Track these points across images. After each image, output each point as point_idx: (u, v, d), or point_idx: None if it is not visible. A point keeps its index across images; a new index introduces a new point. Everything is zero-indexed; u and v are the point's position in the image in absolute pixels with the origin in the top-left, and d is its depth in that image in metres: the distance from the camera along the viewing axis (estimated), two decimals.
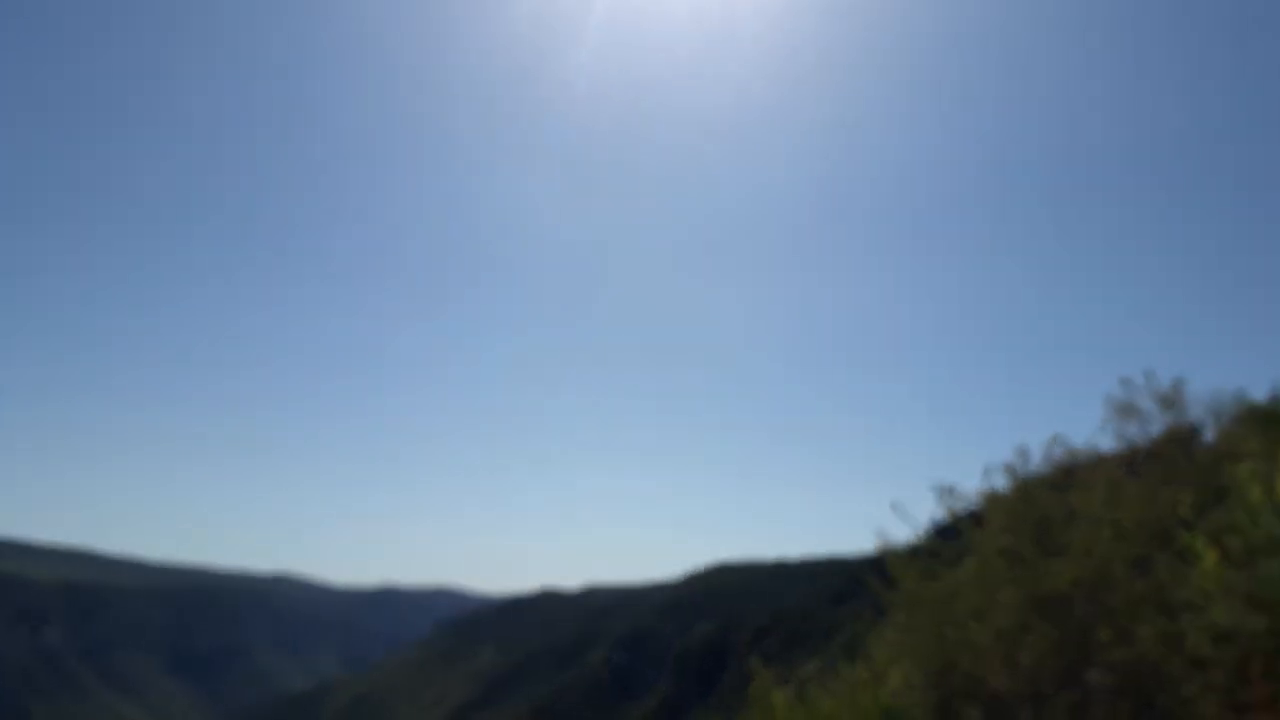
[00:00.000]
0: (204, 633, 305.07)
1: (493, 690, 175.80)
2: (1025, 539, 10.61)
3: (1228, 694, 5.97)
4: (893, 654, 10.87)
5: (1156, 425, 11.31)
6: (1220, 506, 7.33)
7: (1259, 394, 10.25)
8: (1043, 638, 9.26)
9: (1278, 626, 5.50)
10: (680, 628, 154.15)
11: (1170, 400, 11.71)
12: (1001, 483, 12.08)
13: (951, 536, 11.86)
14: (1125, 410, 12.10)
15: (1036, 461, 12.13)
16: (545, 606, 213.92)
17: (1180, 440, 10.99)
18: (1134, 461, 11.59)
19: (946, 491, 11.70)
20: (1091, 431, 11.91)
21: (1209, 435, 10.58)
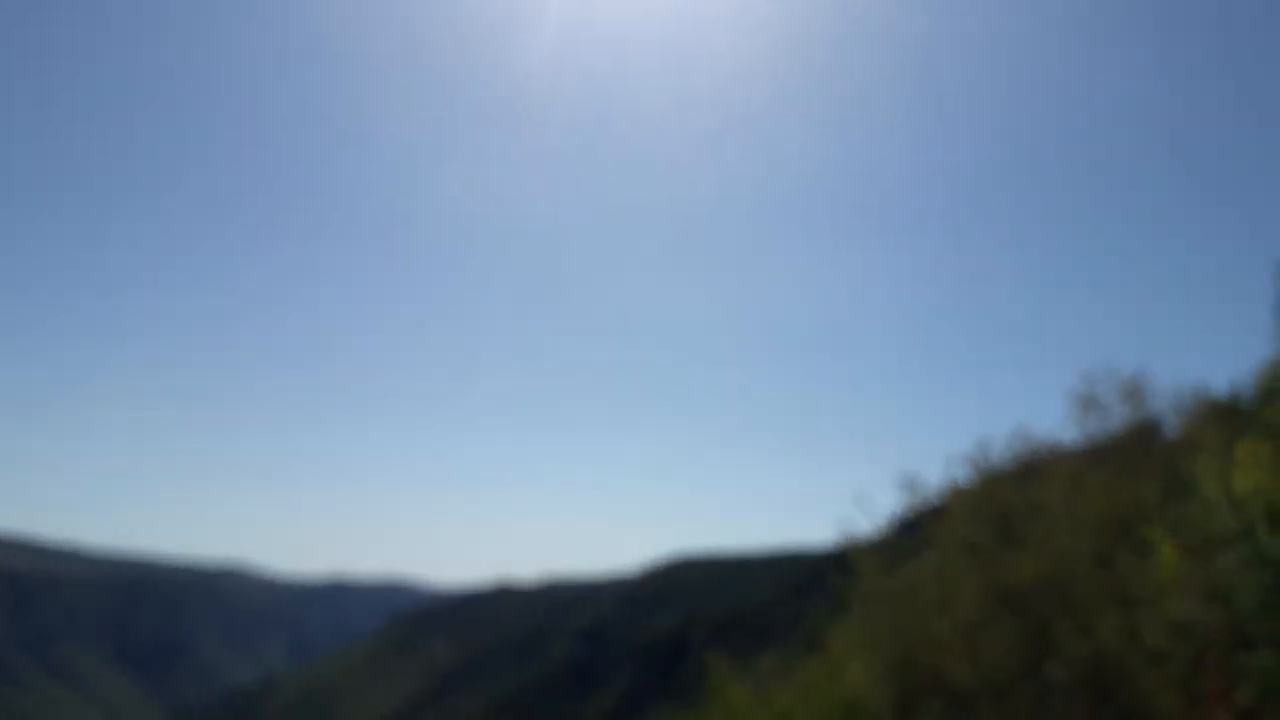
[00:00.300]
0: (148, 624, 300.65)
1: (447, 685, 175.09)
2: (987, 532, 10.77)
3: (1184, 686, 6.11)
4: (853, 647, 10.98)
5: (1118, 418, 11.52)
6: (1180, 500, 7.49)
7: (1219, 388, 10.48)
8: (1004, 631, 9.41)
9: (1233, 620, 5.62)
10: (640, 621, 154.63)
11: (1132, 394, 11.92)
12: (964, 475, 12.26)
13: (914, 529, 12.00)
14: (1088, 403, 12.29)
15: (999, 454, 12.33)
16: (502, 599, 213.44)
17: (1141, 434, 11.20)
18: (1096, 455, 11.79)
19: (909, 483, 11.85)
20: (1054, 424, 12.12)
21: (1170, 429, 10.80)
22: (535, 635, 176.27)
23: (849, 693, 10.10)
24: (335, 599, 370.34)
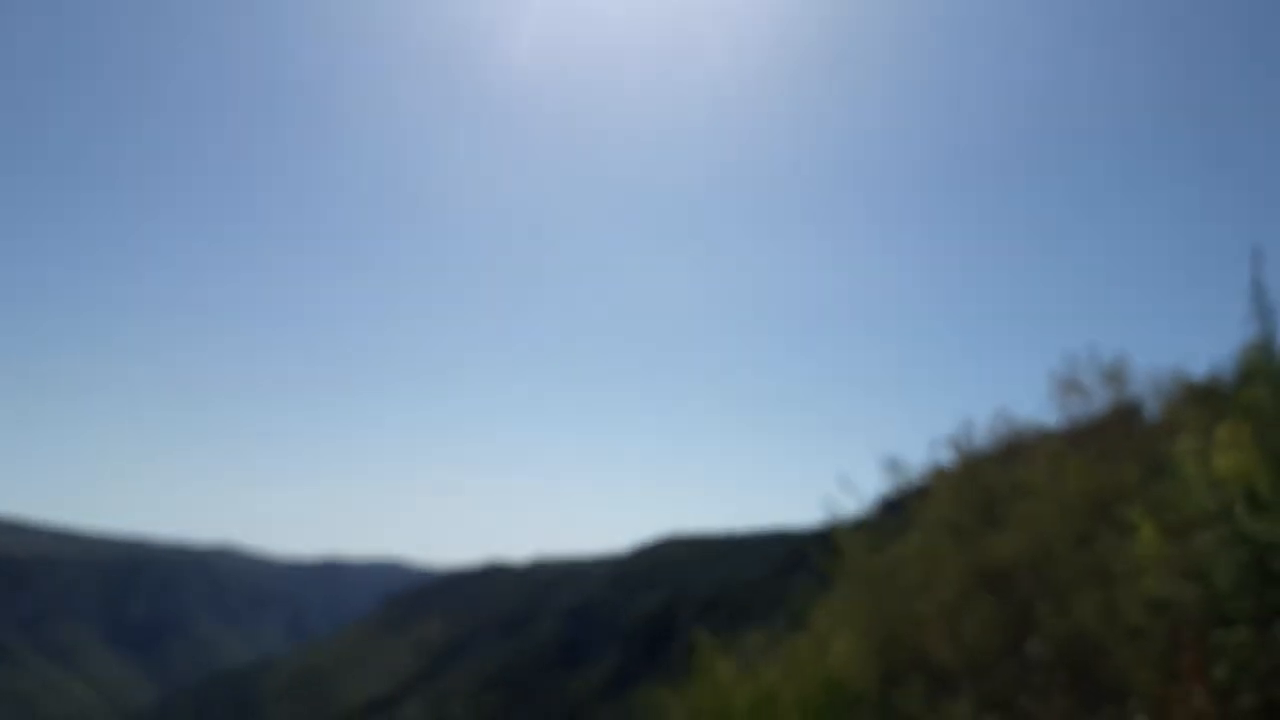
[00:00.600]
0: (142, 604, 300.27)
1: (439, 662, 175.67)
2: (969, 512, 10.80)
3: (1161, 663, 6.12)
4: (837, 625, 11.01)
5: (1099, 401, 11.54)
6: (1160, 481, 7.50)
7: (1199, 371, 10.50)
8: (985, 610, 9.44)
9: (1209, 597, 5.64)
10: (627, 600, 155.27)
11: (1113, 376, 11.95)
12: (947, 457, 12.29)
13: (897, 510, 12.03)
14: (1069, 386, 12.31)
15: (982, 436, 12.35)
16: (492, 579, 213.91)
17: (1122, 416, 11.22)
18: (1077, 437, 11.82)
19: (893, 465, 11.87)
20: (1036, 407, 12.14)
21: (1151, 411, 10.82)
22: (524, 614, 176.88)
23: (833, 670, 10.13)
24: (330, 579, 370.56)
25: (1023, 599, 9.27)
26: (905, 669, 10.13)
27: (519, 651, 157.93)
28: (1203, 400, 8.67)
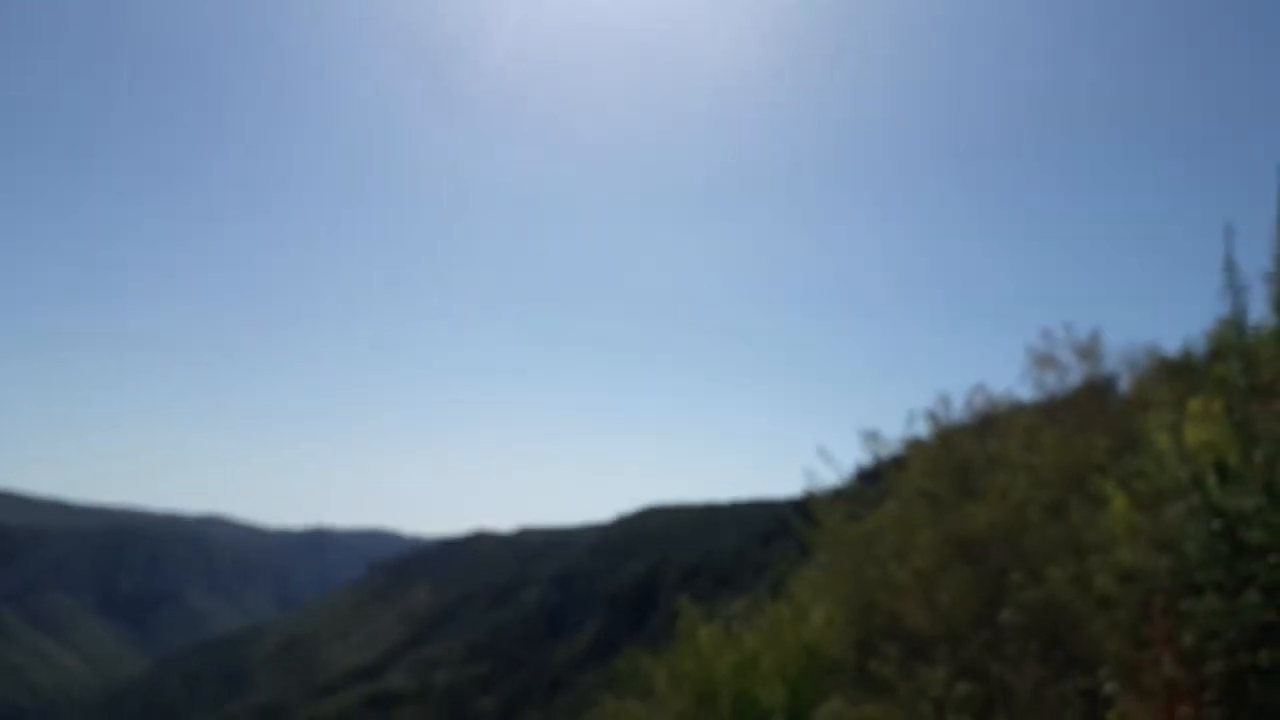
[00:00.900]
0: (132, 575, 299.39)
1: (426, 630, 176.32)
2: (945, 483, 10.84)
3: (1131, 631, 6.17)
4: (815, 593, 11.08)
5: (1074, 376, 11.59)
6: (1132, 454, 7.53)
7: (1171, 346, 10.55)
8: (960, 578, 9.50)
9: (1179, 566, 5.68)
10: (611, 568, 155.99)
11: (1088, 352, 11.99)
12: (924, 429, 12.32)
13: (875, 480, 12.07)
14: (1044, 361, 12.36)
15: (958, 409, 12.39)
16: (478, 547, 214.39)
17: (1096, 391, 11.28)
18: (1051, 410, 11.87)
19: (871, 437, 11.89)
20: (1011, 381, 12.19)
21: (1124, 385, 10.89)
22: (510, 582, 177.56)
23: (811, 637, 10.20)
24: (318, 548, 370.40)
25: (997, 568, 9.34)
26: (881, 636, 10.21)
27: (505, 619, 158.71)
28: (1175, 375, 8.71)
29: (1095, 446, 8.88)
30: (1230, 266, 6.18)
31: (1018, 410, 11.95)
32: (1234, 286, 6.17)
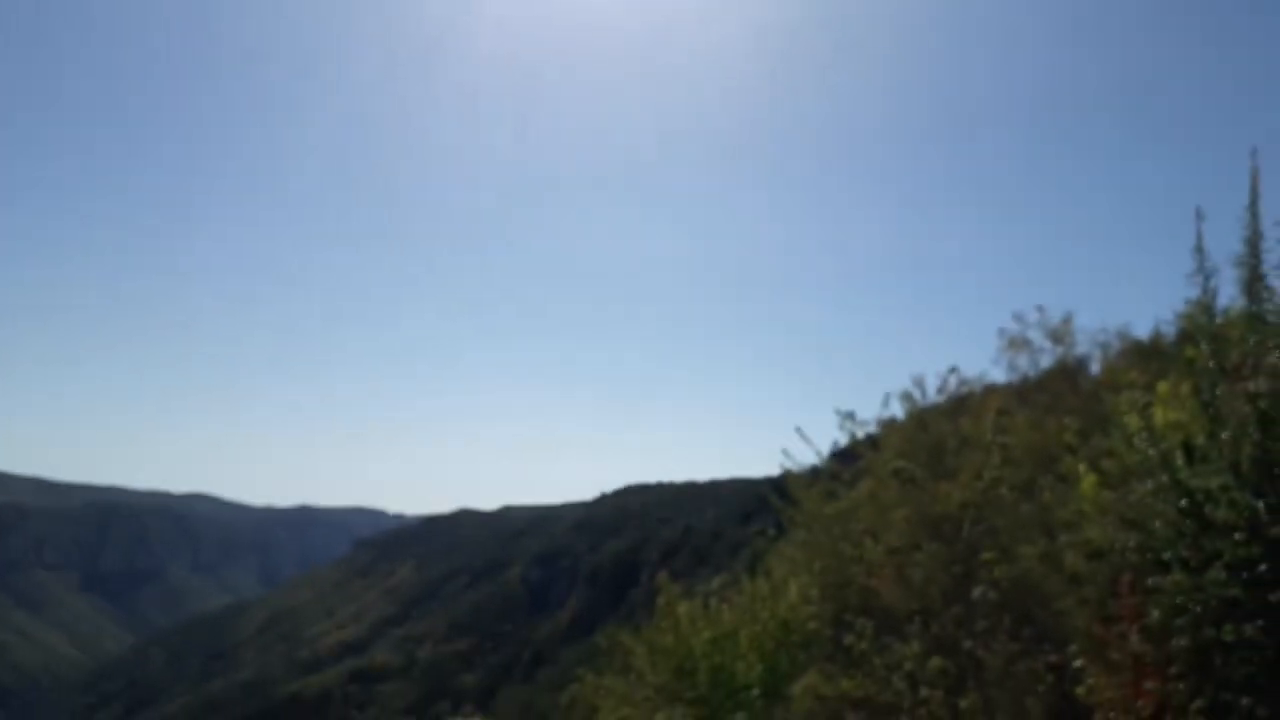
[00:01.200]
0: (117, 552, 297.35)
1: (410, 607, 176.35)
2: (918, 463, 10.89)
3: (1099, 607, 6.23)
4: (792, 569, 11.12)
5: (1046, 358, 11.67)
6: (1102, 434, 7.58)
7: (1142, 330, 10.62)
8: (932, 556, 9.57)
9: (1147, 544, 5.71)
10: (592, 546, 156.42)
11: (1059, 335, 12.07)
12: (899, 410, 12.37)
13: (850, 460, 12.11)
14: (1017, 343, 12.42)
15: (932, 391, 12.44)
16: (461, 526, 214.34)
17: (1067, 372, 11.35)
18: (1024, 392, 11.94)
19: (847, 417, 11.91)
20: (985, 363, 12.26)
21: (1095, 368, 10.96)
22: (492, 560, 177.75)
23: (787, 611, 10.24)
24: (303, 526, 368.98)
25: (968, 546, 9.41)
26: (856, 612, 10.27)
27: (487, 596, 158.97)
28: (1145, 358, 8.76)
29: (1066, 427, 8.93)
30: (1200, 250, 6.20)
31: (990, 392, 12.01)
32: (1204, 270, 6.20)
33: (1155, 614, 5.35)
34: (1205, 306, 6.16)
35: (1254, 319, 5.89)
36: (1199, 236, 6.17)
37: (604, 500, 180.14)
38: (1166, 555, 5.39)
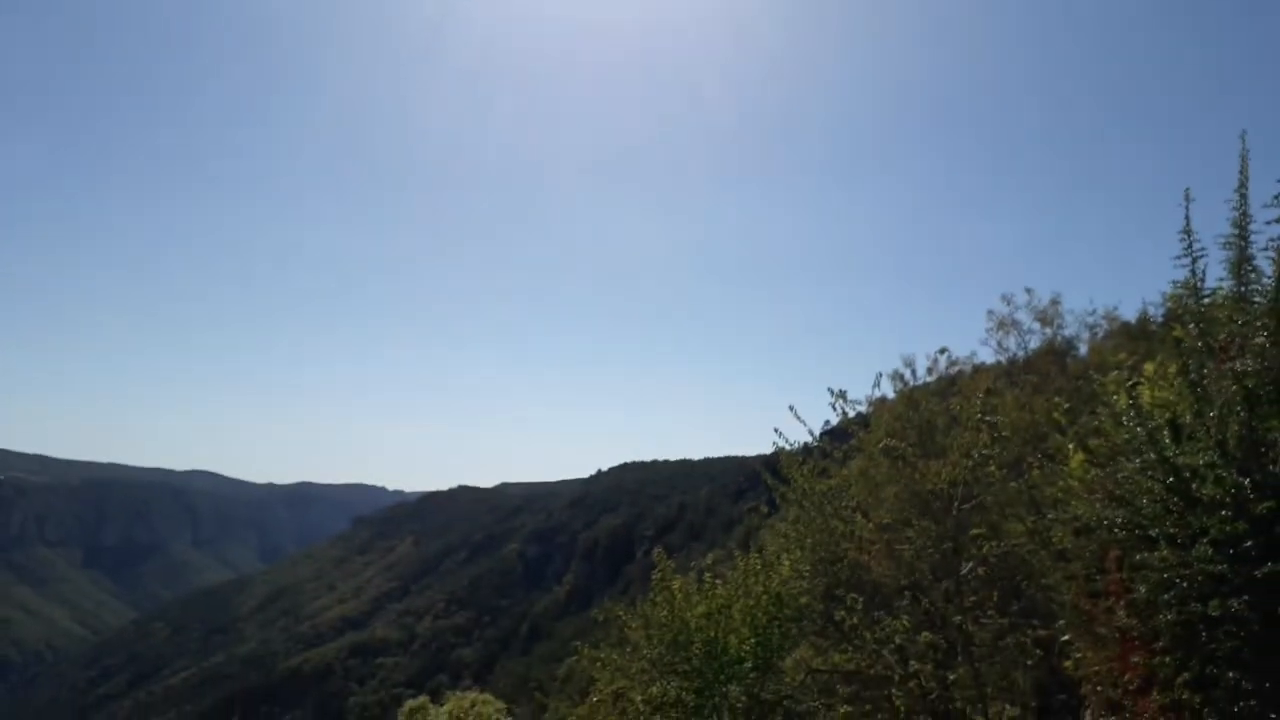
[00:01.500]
0: (117, 528, 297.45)
1: (409, 582, 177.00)
2: (909, 441, 10.92)
3: (1087, 582, 6.27)
4: (784, 545, 11.17)
5: (1035, 339, 11.68)
6: (1090, 413, 7.60)
7: (1129, 313, 10.63)
8: (922, 532, 9.61)
9: (1134, 520, 5.73)
10: (588, 522, 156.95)
11: (1047, 317, 12.08)
12: (889, 389, 12.40)
13: (842, 438, 12.13)
14: (1006, 325, 12.44)
15: (923, 371, 12.47)
16: (460, 502, 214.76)
17: (1056, 353, 11.37)
18: (1012, 372, 11.96)
19: (839, 396, 11.91)
20: (974, 344, 12.28)
21: (1083, 349, 10.98)
22: (490, 535, 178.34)
23: (779, 586, 10.29)
24: (303, 502, 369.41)
25: (958, 522, 9.45)
26: (847, 587, 10.33)
27: (485, 571, 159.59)
28: (1133, 339, 8.77)
29: (1055, 406, 8.95)
30: (1188, 232, 6.19)
31: (980, 372, 12.03)
32: (1192, 252, 6.19)
33: (1142, 589, 5.38)
34: (1193, 287, 6.15)
35: (1241, 300, 5.89)
36: (1187, 218, 6.15)
37: (600, 477, 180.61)
38: (1154, 532, 5.41)
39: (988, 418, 9.82)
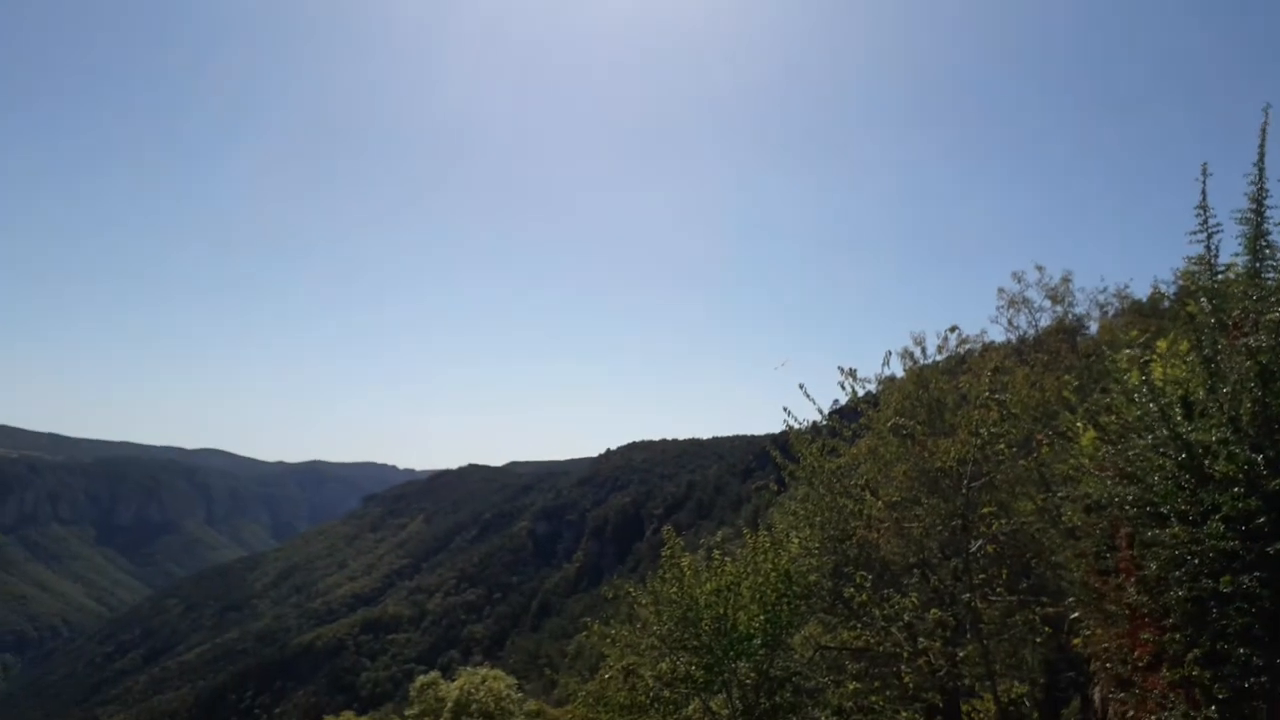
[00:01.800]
0: (130, 506, 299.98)
1: (420, 559, 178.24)
2: (918, 419, 10.90)
3: (1096, 559, 6.24)
4: (793, 523, 11.19)
5: (1045, 317, 11.60)
6: (1101, 391, 7.55)
7: (1141, 291, 10.55)
8: (931, 510, 9.61)
9: (1145, 497, 5.71)
10: (598, 500, 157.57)
11: (1058, 294, 11.99)
12: (899, 368, 12.35)
13: (852, 417, 12.12)
14: (1016, 303, 12.35)
15: (933, 349, 12.41)
16: (470, 480, 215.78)
17: (1067, 331, 11.29)
18: (1023, 350, 11.90)
19: (849, 375, 11.89)
20: (985, 322, 12.20)
21: (1094, 328, 10.91)
22: (500, 513, 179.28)
23: (788, 563, 10.31)
24: (314, 480, 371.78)
25: (967, 500, 9.44)
26: (856, 565, 10.35)
27: (495, 548, 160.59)
28: (1144, 317, 8.70)
29: (1066, 384, 8.90)
30: (1204, 207, 6.12)
31: (990, 350, 11.97)
32: (1207, 227, 6.11)
33: (1153, 566, 5.36)
34: (1207, 263, 6.08)
35: (1255, 275, 5.83)
36: (1204, 193, 6.07)
37: (609, 456, 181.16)
38: (1165, 508, 5.38)
39: (997, 395, 9.78)
